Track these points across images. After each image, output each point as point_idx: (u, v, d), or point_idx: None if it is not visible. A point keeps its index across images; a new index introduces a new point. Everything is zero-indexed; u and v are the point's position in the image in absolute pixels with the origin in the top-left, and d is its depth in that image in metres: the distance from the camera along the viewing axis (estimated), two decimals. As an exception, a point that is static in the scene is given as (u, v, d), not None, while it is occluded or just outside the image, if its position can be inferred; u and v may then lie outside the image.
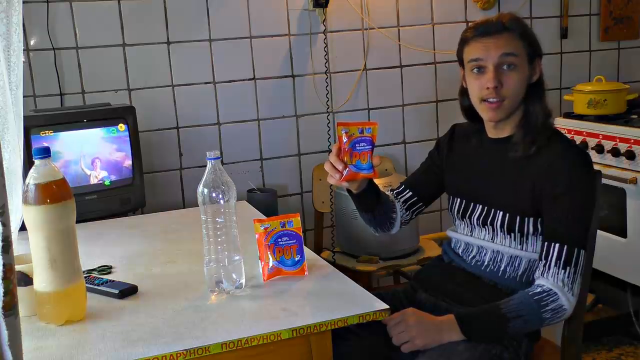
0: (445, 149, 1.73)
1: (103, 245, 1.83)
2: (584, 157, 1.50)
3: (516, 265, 1.54)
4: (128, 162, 2.20)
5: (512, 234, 1.52)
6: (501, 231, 1.54)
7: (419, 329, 1.41)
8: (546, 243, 1.46)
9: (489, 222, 1.56)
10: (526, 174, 1.50)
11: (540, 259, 1.46)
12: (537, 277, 1.45)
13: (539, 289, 1.42)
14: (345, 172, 1.49)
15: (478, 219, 1.58)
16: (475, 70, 1.52)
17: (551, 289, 1.42)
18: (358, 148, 1.48)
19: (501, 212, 1.53)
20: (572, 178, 1.46)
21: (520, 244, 1.53)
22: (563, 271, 1.42)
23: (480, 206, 1.58)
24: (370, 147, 1.49)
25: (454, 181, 1.69)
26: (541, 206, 1.48)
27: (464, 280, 1.59)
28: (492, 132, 1.59)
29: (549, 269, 1.43)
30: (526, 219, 1.50)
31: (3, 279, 0.87)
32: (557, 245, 1.43)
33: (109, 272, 1.61)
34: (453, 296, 1.57)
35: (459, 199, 1.65)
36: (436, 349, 1.41)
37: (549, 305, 1.41)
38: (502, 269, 1.55)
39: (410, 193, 1.76)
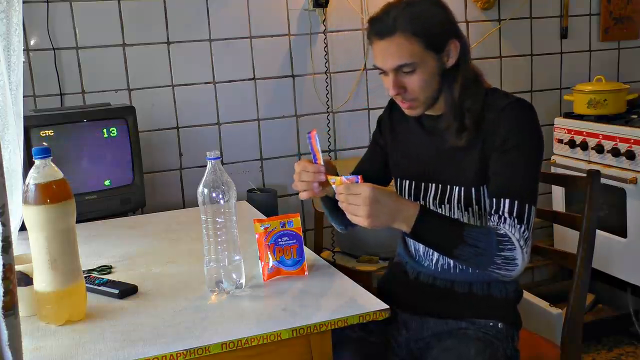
0: (387, 128, 1.63)
1: (103, 245, 1.83)
2: (529, 111, 1.42)
3: None
4: (128, 162, 2.20)
5: (470, 209, 1.45)
6: (458, 208, 1.46)
7: (373, 209, 1.29)
8: (495, 199, 1.37)
9: (446, 200, 1.47)
10: (474, 141, 1.42)
11: (492, 214, 1.38)
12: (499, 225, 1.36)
13: (502, 231, 1.34)
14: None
15: (434, 198, 1.49)
16: (379, 72, 1.46)
17: (510, 238, 1.33)
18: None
19: (457, 187, 1.46)
20: (519, 132, 1.39)
21: (479, 219, 1.46)
22: (519, 225, 1.34)
23: (434, 185, 1.50)
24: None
25: (400, 162, 1.58)
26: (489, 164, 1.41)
27: (439, 294, 1.51)
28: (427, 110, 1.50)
29: (504, 221, 1.35)
30: (481, 188, 1.43)
31: (3, 279, 0.87)
32: (507, 201, 1.36)
33: (109, 272, 1.61)
34: (437, 314, 1.51)
35: (408, 181, 1.55)
36: (448, 355, 1.40)
37: (504, 251, 1.32)
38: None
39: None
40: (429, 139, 1.52)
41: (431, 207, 1.51)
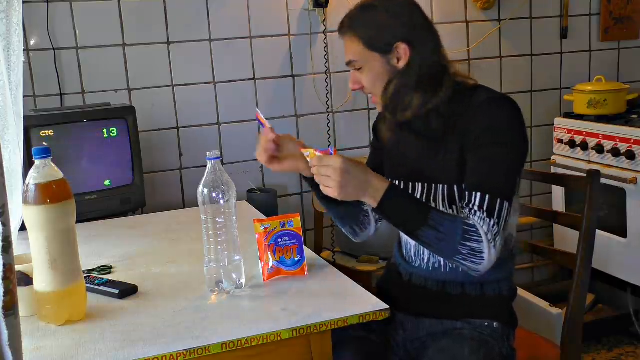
0: (379, 132, 1.65)
1: (103, 245, 1.83)
2: (508, 107, 1.42)
3: None
4: (128, 162, 2.19)
5: (454, 207, 1.46)
6: (443, 206, 1.47)
7: (343, 180, 1.32)
8: (467, 193, 1.38)
9: (432, 198, 1.48)
10: (452, 139, 1.43)
11: (463, 207, 1.38)
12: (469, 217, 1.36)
13: (471, 222, 1.34)
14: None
15: (421, 197, 1.50)
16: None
17: (478, 230, 1.33)
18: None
19: (441, 186, 1.47)
20: (496, 127, 1.39)
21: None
22: (488, 219, 1.34)
23: (420, 184, 1.51)
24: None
25: (389, 163, 1.62)
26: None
27: (432, 296, 1.52)
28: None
29: (474, 214, 1.35)
30: (463, 185, 1.43)
31: (3, 279, 0.87)
32: (478, 194, 1.35)
33: (109, 272, 1.61)
34: (432, 314, 1.51)
35: (397, 181, 1.56)
36: (442, 355, 1.40)
37: (470, 242, 1.32)
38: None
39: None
40: (415, 138, 1.53)
41: None
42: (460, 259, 1.35)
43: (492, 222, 1.34)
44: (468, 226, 1.34)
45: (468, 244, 1.33)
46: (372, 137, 1.74)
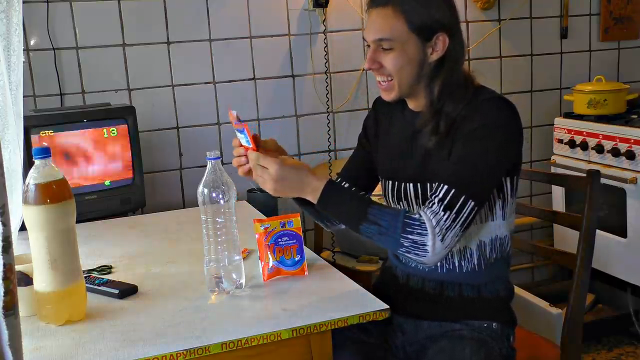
0: (372, 129, 1.63)
1: (103, 245, 1.83)
2: (504, 107, 1.39)
3: (468, 255, 1.47)
4: (128, 162, 2.20)
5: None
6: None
7: (279, 185, 1.37)
8: (436, 184, 1.37)
9: (429, 197, 1.42)
10: (448, 140, 1.41)
11: (428, 197, 1.37)
12: (420, 210, 1.35)
13: (415, 215, 1.32)
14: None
15: (416, 197, 1.48)
16: (367, 46, 1.47)
17: (424, 223, 1.31)
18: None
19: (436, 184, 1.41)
20: (486, 126, 1.36)
21: None
22: (442, 213, 1.31)
23: (412, 184, 1.48)
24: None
25: (384, 162, 1.58)
26: None
27: (430, 298, 1.51)
28: (410, 104, 1.51)
29: (431, 205, 1.33)
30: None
31: (3, 279, 0.87)
32: (445, 187, 1.33)
33: (109, 272, 1.61)
34: (430, 317, 1.50)
35: (390, 182, 1.54)
36: (443, 356, 1.39)
37: (412, 235, 1.31)
38: (456, 264, 1.48)
39: (348, 185, 1.60)
40: (413, 137, 1.51)
41: (414, 207, 1.50)
42: (404, 251, 1.34)
43: (445, 216, 1.31)
44: (410, 219, 1.32)
45: (410, 237, 1.31)
46: (360, 133, 1.68)
